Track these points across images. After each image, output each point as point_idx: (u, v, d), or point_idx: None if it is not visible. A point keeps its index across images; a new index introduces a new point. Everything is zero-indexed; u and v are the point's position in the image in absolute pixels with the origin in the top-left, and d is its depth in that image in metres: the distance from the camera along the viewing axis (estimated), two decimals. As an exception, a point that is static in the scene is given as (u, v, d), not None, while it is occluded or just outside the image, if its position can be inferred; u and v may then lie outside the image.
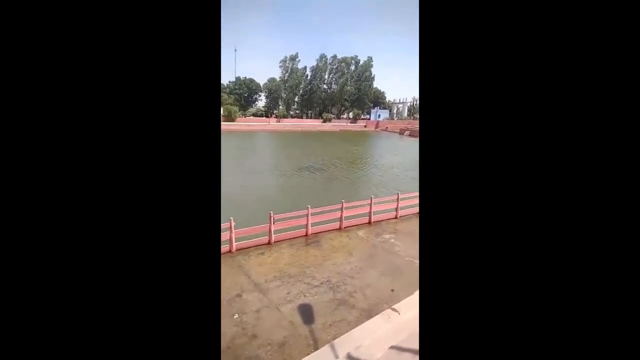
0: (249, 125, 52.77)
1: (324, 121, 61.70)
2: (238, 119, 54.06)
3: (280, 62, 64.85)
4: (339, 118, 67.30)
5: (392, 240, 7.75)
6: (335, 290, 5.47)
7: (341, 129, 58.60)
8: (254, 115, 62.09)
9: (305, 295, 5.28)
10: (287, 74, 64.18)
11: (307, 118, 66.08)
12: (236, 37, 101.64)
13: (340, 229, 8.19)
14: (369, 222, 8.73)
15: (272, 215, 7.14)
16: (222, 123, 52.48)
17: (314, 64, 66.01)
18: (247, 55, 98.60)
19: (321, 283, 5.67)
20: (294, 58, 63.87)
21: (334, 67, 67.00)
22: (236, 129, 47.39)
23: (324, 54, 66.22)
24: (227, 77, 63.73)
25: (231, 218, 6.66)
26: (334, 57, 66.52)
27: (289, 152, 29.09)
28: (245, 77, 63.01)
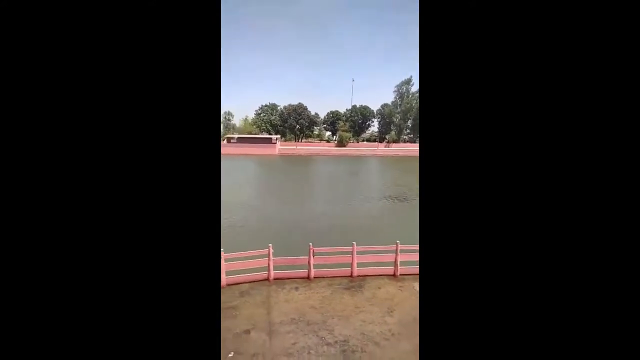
0: (358, 150, 54.19)
1: (440, 145, 56.35)
2: (349, 144, 56.62)
3: (395, 87, 64.61)
4: (460, 142, 60.34)
5: (461, 303, 5.84)
6: (348, 356, 4.42)
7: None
8: (367, 140, 63.74)
9: (309, 352, 4.48)
10: (400, 99, 63.18)
11: (421, 142, 62.35)
12: (354, 69, 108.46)
13: (395, 275, 6.84)
14: (438, 273, 6.95)
15: (311, 247, 6.66)
16: (333, 148, 57.36)
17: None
18: (365, 84, 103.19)
19: (336, 342, 4.72)
20: (407, 82, 62.42)
21: (455, 87, 61.26)
22: (345, 154, 49.52)
23: (443, 75, 61.69)
24: (344, 105, 68.12)
25: (270, 245, 6.58)
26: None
27: (384, 178, 27.74)
28: (360, 105, 65.77)
